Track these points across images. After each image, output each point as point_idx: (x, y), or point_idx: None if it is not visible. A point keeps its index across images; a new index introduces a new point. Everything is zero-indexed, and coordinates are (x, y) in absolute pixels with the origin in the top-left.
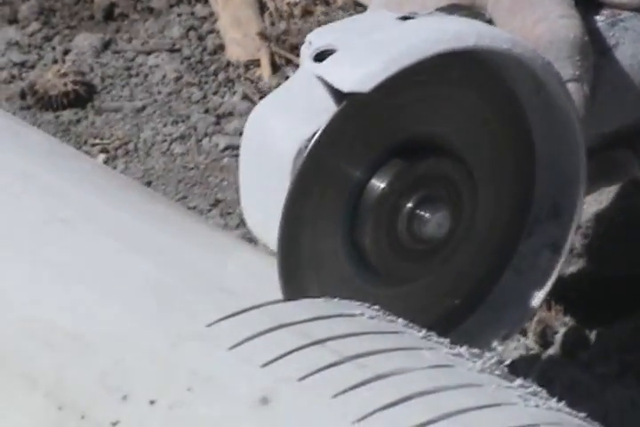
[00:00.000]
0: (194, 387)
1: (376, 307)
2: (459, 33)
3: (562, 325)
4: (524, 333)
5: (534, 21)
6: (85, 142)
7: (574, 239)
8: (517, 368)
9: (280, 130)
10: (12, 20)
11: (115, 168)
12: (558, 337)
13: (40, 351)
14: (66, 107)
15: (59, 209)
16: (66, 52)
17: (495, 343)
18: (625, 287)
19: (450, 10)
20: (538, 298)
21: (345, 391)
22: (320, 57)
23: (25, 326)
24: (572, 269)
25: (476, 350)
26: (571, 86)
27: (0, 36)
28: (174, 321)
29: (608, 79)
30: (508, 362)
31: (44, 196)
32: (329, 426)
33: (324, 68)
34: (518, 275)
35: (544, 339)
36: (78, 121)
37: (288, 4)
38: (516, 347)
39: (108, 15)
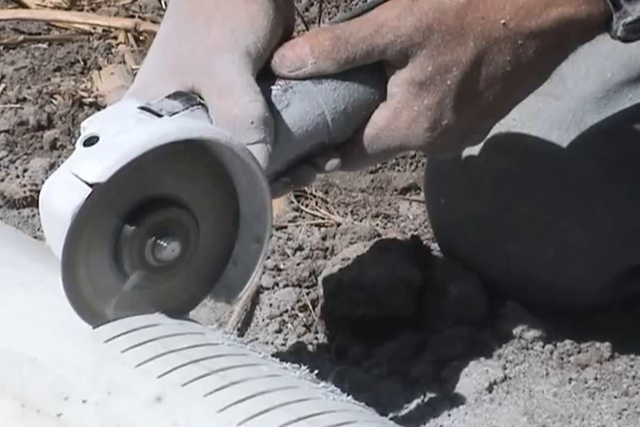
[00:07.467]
0: (112, 391)
1: (232, 337)
2: (163, 132)
3: (353, 345)
4: (328, 350)
5: (232, 105)
6: (38, 229)
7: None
8: (322, 373)
9: (60, 199)
10: None
11: None
12: (350, 352)
13: (8, 369)
14: (25, 206)
15: (17, 276)
16: (25, 171)
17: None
18: (389, 322)
19: (175, 95)
20: (252, 274)
21: (212, 392)
22: (88, 142)
23: None
24: (359, 311)
25: (296, 365)
26: (257, 146)
27: None
28: (99, 348)
29: (285, 128)
30: (316, 371)
31: (7, 266)
32: (201, 415)
33: (77, 166)
34: (235, 263)
35: (340, 352)
36: (34, 216)
37: None
38: (322, 359)
39: (53, 146)
